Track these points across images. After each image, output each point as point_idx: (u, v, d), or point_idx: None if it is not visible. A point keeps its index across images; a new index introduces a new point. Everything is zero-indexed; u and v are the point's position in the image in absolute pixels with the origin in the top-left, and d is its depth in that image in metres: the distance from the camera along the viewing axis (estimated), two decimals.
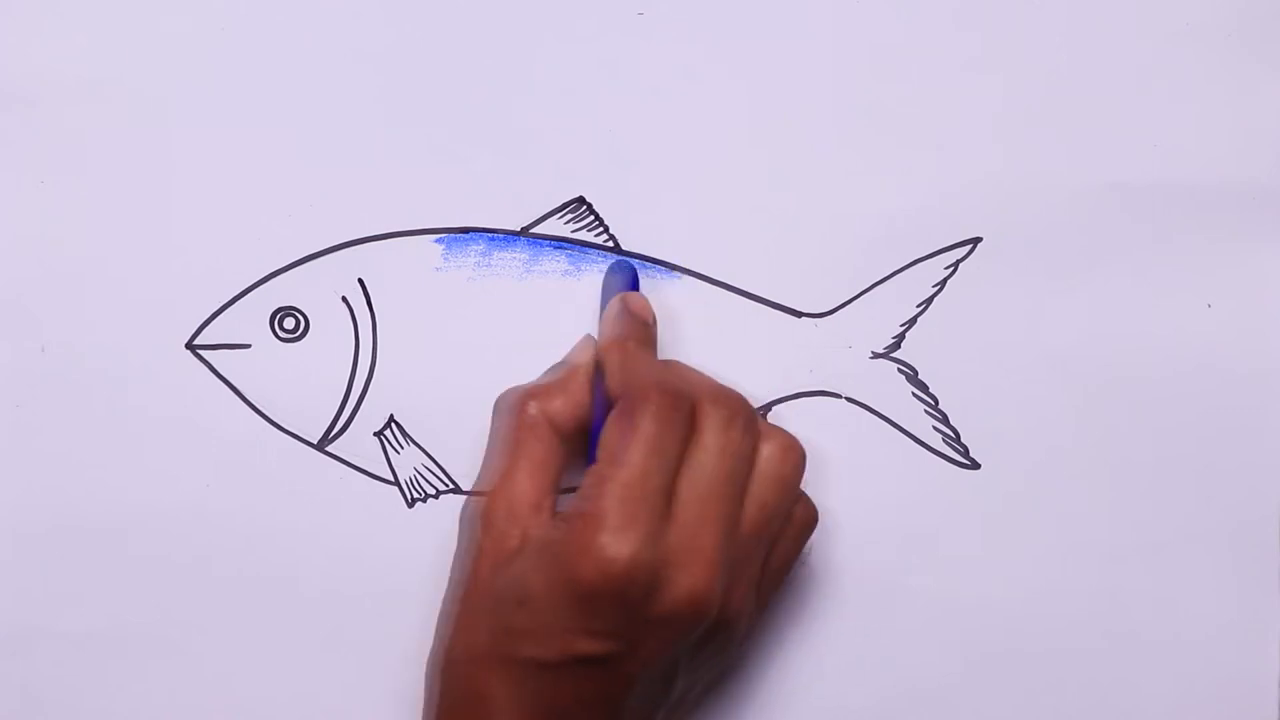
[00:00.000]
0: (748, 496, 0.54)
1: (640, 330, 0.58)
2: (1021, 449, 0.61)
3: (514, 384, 0.59)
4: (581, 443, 0.57)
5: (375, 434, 0.61)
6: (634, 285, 0.60)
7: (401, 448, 0.61)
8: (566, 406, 0.57)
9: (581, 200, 0.61)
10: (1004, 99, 0.61)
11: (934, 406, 0.61)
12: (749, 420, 0.55)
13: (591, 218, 0.61)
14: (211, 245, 0.61)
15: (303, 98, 0.61)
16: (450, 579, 0.57)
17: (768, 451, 0.55)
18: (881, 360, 0.61)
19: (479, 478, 0.58)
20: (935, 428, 0.61)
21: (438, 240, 0.61)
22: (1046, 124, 0.61)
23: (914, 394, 0.61)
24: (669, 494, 0.52)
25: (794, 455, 0.55)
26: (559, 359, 0.60)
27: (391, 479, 0.61)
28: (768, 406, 0.61)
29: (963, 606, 0.61)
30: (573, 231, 0.61)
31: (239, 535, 0.60)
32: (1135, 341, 0.61)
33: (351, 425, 0.61)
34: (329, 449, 0.61)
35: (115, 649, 0.60)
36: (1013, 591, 0.61)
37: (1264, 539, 0.61)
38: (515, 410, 0.57)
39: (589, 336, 0.60)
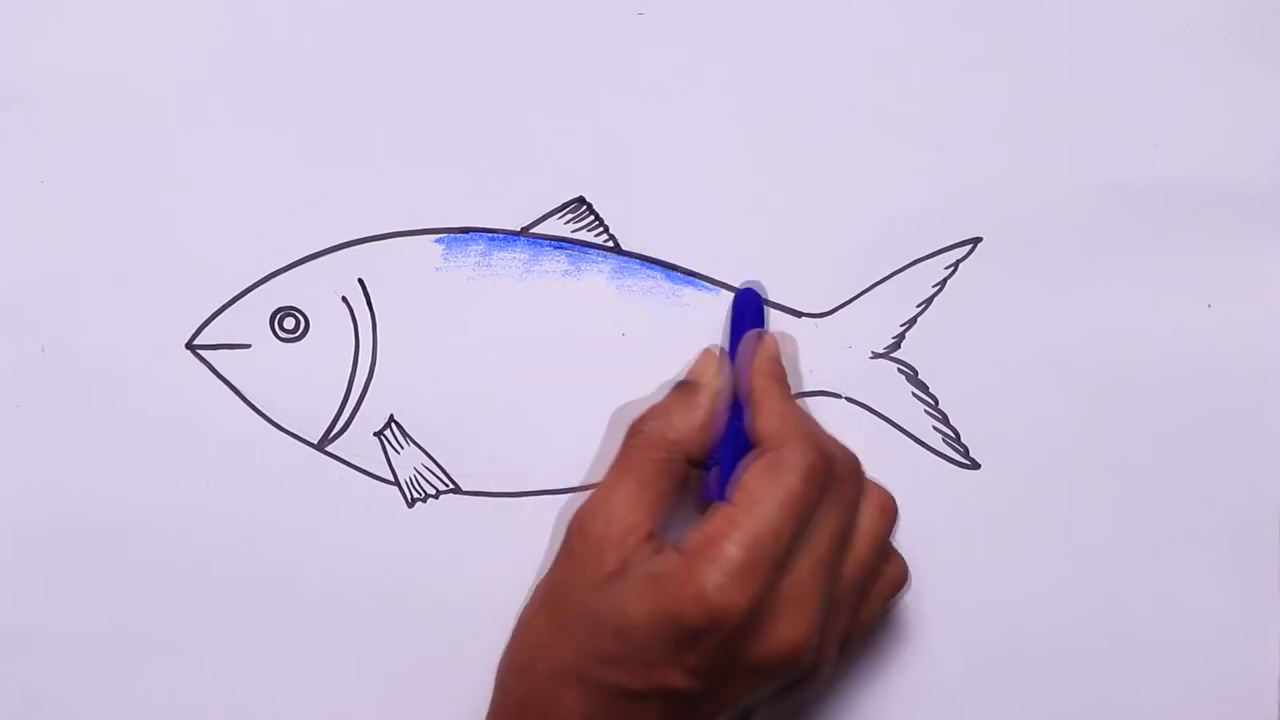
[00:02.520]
0: (848, 552, 0.55)
1: (782, 372, 0.58)
2: (1021, 449, 0.61)
3: (513, 384, 0.60)
4: (691, 467, 0.57)
5: (375, 434, 0.61)
6: (759, 314, 0.60)
7: (401, 448, 0.61)
8: (686, 429, 0.56)
9: (581, 200, 0.61)
10: (1004, 99, 0.61)
11: (934, 406, 0.61)
12: (860, 479, 0.56)
13: (591, 218, 0.61)
14: (211, 245, 0.61)
15: (303, 98, 0.61)
16: (542, 585, 0.57)
17: (867, 508, 0.56)
18: (881, 360, 0.61)
19: (588, 480, 0.58)
20: (935, 428, 0.61)
21: (438, 240, 0.61)
22: (1046, 124, 0.61)
23: (914, 394, 0.61)
24: (792, 549, 0.53)
25: (890, 514, 0.56)
26: (558, 359, 0.60)
27: (391, 479, 0.61)
28: None
29: (963, 606, 0.61)
30: (573, 231, 0.61)
31: (239, 535, 0.60)
32: (1135, 341, 0.61)
33: (351, 425, 0.61)
34: (329, 449, 0.61)
35: (115, 649, 0.60)
36: (1013, 591, 0.61)
37: (1264, 539, 0.61)
38: (634, 430, 0.57)
39: (712, 355, 0.59)
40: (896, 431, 0.61)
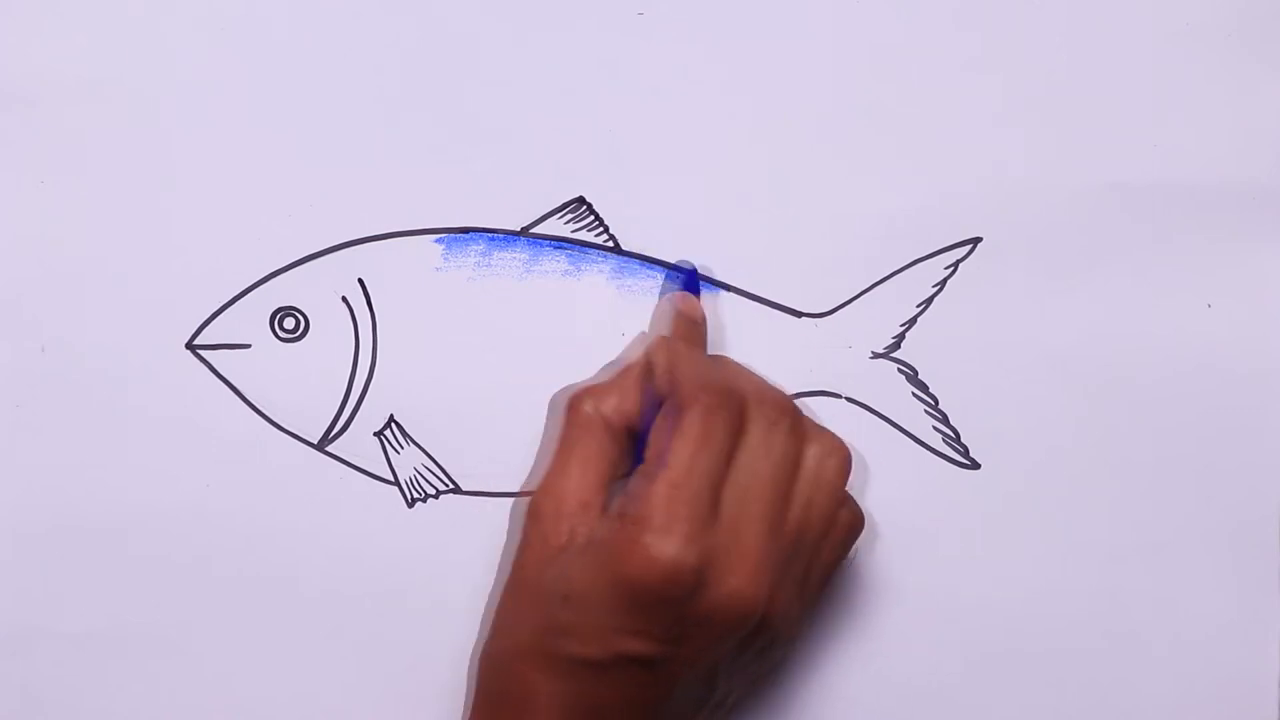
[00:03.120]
0: (793, 498, 0.54)
1: (689, 329, 0.58)
2: (1021, 449, 0.61)
3: (513, 384, 0.59)
4: (635, 441, 0.57)
5: (375, 434, 0.61)
6: (691, 287, 0.60)
7: (401, 448, 0.61)
8: (620, 405, 0.57)
9: (581, 200, 0.61)
10: (1004, 99, 0.61)
11: (934, 406, 0.61)
12: (795, 421, 0.55)
13: (591, 218, 0.61)
14: (211, 245, 0.61)
15: (302, 98, 0.61)
16: (498, 574, 0.57)
17: (813, 453, 0.55)
18: (881, 360, 0.61)
19: (531, 474, 0.58)
20: (935, 428, 0.61)
21: (438, 240, 0.61)
22: (1046, 124, 0.61)
23: (914, 394, 0.61)
24: (715, 494, 0.53)
25: (839, 458, 0.56)
26: (558, 359, 0.61)
27: (391, 479, 0.61)
28: None
29: (963, 606, 0.61)
30: (573, 231, 0.61)
31: (239, 535, 0.60)
32: (1135, 341, 0.61)
33: (351, 425, 0.61)
34: (329, 449, 0.61)
35: (115, 649, 0.60)
36: (1013, 591, 0.61)
37: (1264, 539, 0.61)
38: (569, 408, 0.57)
39: (643, 335, 0.60)
40: (896, 431, 0.61)
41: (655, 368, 0.56)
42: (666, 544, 0.51)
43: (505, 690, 0.55)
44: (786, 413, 0.55)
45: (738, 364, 0.58)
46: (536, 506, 0.55)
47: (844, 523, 0.57)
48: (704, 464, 0.53)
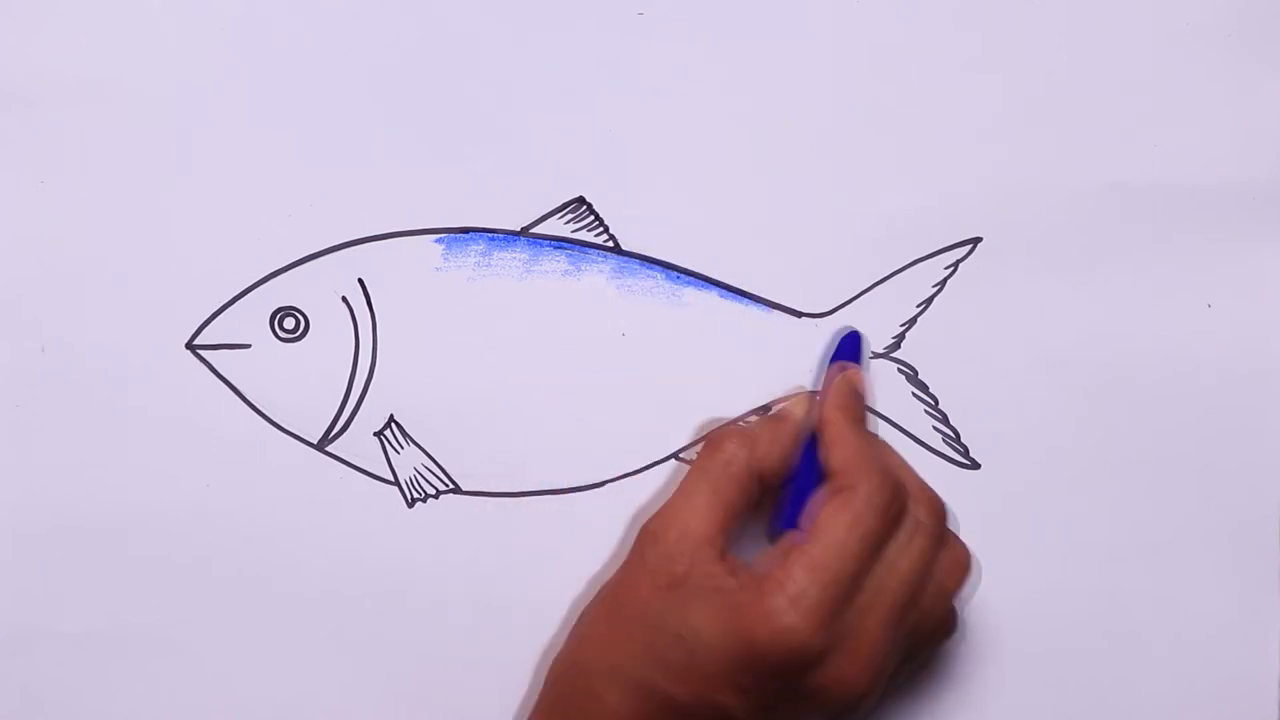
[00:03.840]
0: (919, 601, 0.55)
1: (857, 405, 0.59)
2: (1021, 449, 0.61)
3: (513, 384, 0.60)
4: (768, 492, 0.57)
5: (375, 434, 0.61)
6: (855, 354, 0.60)
7: (401, 448, 0.61)
8: (769, 455, 0.57)
9: (581, 200, 0.61)
10: (1004, 99, 0.61)
11: (934, 406, 0.61)
12: (942, 527, 0.56)
13: (591, 218, 0.61)
14: (211, 245, 0.61)
15: (303, 98, 0.61)
16: (608, 585, 0.57)
17: (945, 561, 0.56)
18: (881, 360, 0.61)
19: (667, 500, 0.57)
20: (935, 428, 0.61)
21: (438, 240, 0.61)
22: (1046, 124, 0.61)
23: (914, 394, 0.61)
24: (858, 581, 0.53)
25: (965, 573, 0.57)
26: (558, 359, 0.61)
27: (391, 479, 0.61)
28: (767, 407, 0.61)
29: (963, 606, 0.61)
30: (573, 231, 0.61)
31: (239, 535, 0.60)
32: (1135, 341, 0.61)
33: (351, 425, 0.61)
34: (329, 449, 0.61)
35: (115, 649, 0.60)
36: (1013, 591, 0.61)
37: (1264, 539, 0.61)
38: (717, 445, 0.57)
39: (806, 393, 0.60)
40: (896, 431, 0.61)
41: (829, 439, 0.57)
42: (805, 621, 0.52)
43: (578, 701, 0.55)
44: (938, 517, 0.56)
45: (892, 450, 0.58)
46: (658, 531, 0.55)
47: (943, 627, 0.58)
48: (855, 550, 0.53)
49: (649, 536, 0.56)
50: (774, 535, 0.57)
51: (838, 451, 0.56)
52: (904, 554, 0.54)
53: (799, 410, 0.59)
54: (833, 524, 0.53)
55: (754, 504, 0.57)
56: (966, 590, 0.57)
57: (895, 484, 0.55)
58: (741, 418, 0.61)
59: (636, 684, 0.53)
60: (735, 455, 0.56)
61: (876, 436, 0.59)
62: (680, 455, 0.61)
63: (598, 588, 0.58)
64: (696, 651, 0.53)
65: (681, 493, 0.56)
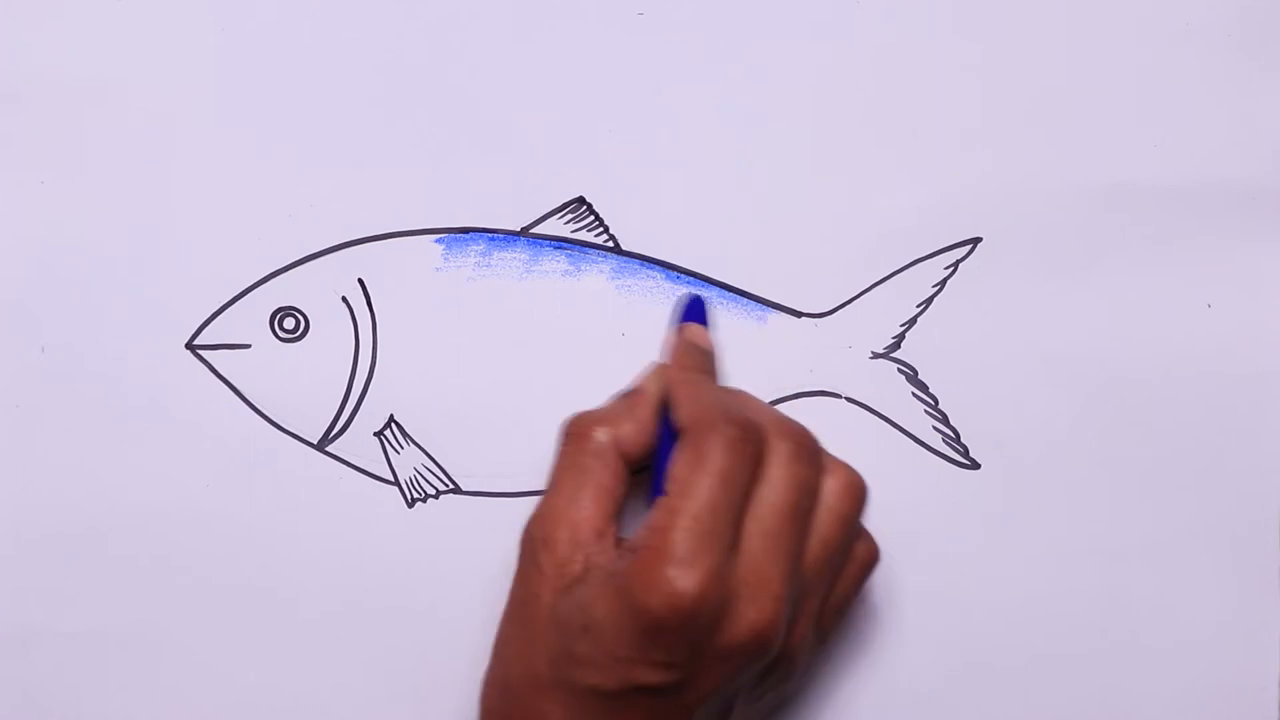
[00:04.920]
0: (811, 531, 0.54)
1: (701, 359, 0.58)
2: (1021, 449, 0.61)
3: (513, 384, 0.59)
4: (644, 472, 0.57)
5: (375, 434, 0.61)
6: (698, 316, 0.60)
7: (401, 448, 0.61)
8: (633, 434, 0.56)
9: (581, 200, 0.61)
10: (1004, 99, 0.61)
11: (934, 406, 0.61)
12: (814, 454, 0.55)
13: (591, 218, 0.61)
14: (211, 245, 0.61)
15: (303, 98, 0.61)
16: (509, 600, 0.56)
17: (831, 486, 0.55)
18: (881, 360, 0.61)
19: (542, 500, 0.57)
20: (935, 428, 0.61)
21: (438, 240, 0.61)
22: (1047, 124, 0.61)
23: (914, 394, 0.61)
24: (736, 527, 0.53)
25: (856, 491, 0.56)
26: (558, 359, 0.61)
27: (391, 479, 0.61)
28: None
29: (962, 607, 0.61)
30: (573, 231, 0.61)
31: (239, 535, 0.60)
32: (1135, 341, 0.61)
33: (351, 425, 0.61)
34: (329, 449, 0.61)
35: (115, 649, 0.60)
36: (1012, 592, 0.61)
37: (1264, 540, 0.61)
38: (583, 436, 0.56)
39: (654, 364, 0.59)
40: (896, 431, 0.61)
41: (674, 399, 0.56)
42: (688, 577, 0.51)
43: (517, 719, 0.54)
44: (805, 445, 0.55)
45: (751, 396, 0.57)
46: (551, 535, 0.55)
47: (860, 557, 0.57)
48: (725, 496, 0.52)
49: (538, 541, 0.55)
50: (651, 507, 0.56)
51: (684, 409, 0.55)
52: (776, 487, 0.53)
53: (652, 383, 0.58)
54: (691, 476, 0.53)
55: (629, 484, 0.56)
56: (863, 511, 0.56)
57: (743, 423, 0.53)
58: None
59: (563, 686, 0.53)
60: (604, 441, 0.56)
61: (727, 387, 0.59)
62: None
63: None
64: (604, 639, 0.52)
65: (559, 490, 0.56)
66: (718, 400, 0.55)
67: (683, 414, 0.55)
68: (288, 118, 0.61)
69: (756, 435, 0.54)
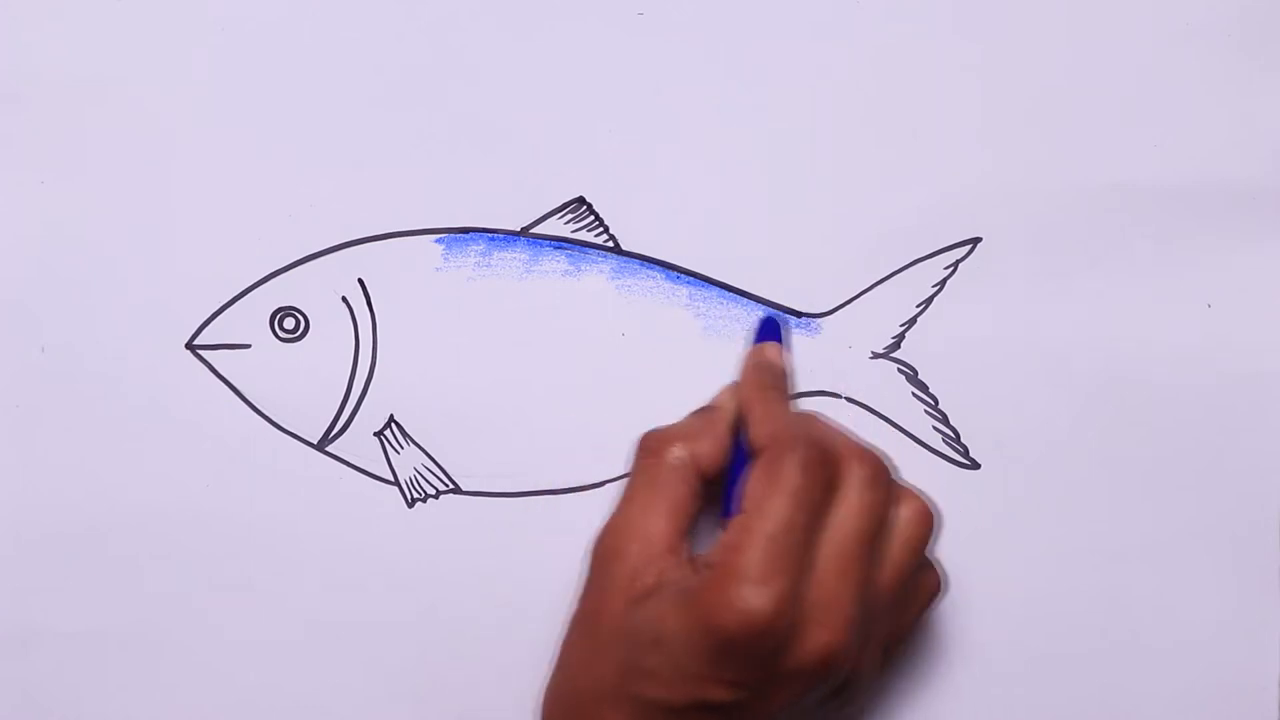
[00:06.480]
0: (883, 558, 0.55)
1: (777, 380, 0.59)
2: (1021, 449, 0.61)
3: (513, 384, 0.60)
4: (716, 487, 0.57)
5: (375, 434, 0.61)
6: (776, 336, 0.60)
7: (401, 448, 0.61)
8: (710, 451, 0.57)
9: (581, 200, 0.61)
10: (1004, 99, 0.61)
11: (934, 406, 0.61)
12: (888, 481, 0.55)
13: (591, 218, 0.61)
14: (211, 245, 0.61)
15: (302, 98, 0.61)
16: (577, 609, 0.57)
17: (903, 514, 0.56)
18: (881, 360, 0.61)
19: (616, 511, 0.57)
20: (935, 428, 0.61)
21: (438, 240, 0.61)
22: (1047, 124, 0.61)
23: (914, 394, 0.61)
24: (810, 548, 0.53)
25: (927, 519, 0.56)
26: (558, 359, 0.61)
27: (391, 479, 0.61)
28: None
29: (962, 607, 0.61)
30: (573, 231, 0.61)
31: (239, 535, 0.60)
32: (1135, 341, 0.61)
33: (351, 425, 0.61)
34: (329, 449, 0.61)
35: (115, 649, 0.60)
36: (1012, 592, 0.61)
37: (1264, 540, 0.61)
38: (660, 451, 0.57)
39: (731, 384, 0.60)
40: (896, 431, 0.61)
41: (750, 418, 0.57)
42: (761, 596, 0.51)
43: None
44: (880, 471, 0.55)
45: (828, 420, 0.58)
46: (622, 547, 0.55)
47: (926, 585, 0.58)
48: (800, 518, 0.53)
49: (610, 553, 0.55)
50: (723, 524, 0.56)
51: (760, 427, 0.56)
52: (851, 512, 0.54)
53: (729, 400, 0.59)
54: (767, 496, 0.53)
55: (702, 500, 0.57)
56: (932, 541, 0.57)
57: (821, 446, 0.54)
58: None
59: (629, 698, 0.53)
60: (680, 457, 0.56)
61: (802, 410, 0.59)
62: None
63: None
64: (676, 654, 0.52)
65: (634, 503, 0.56)
66: (794, 421, 0.56)
67: (758, 433, 0.56)
68: (288, 118, 0.61)
69: (833, 458, 0.54)
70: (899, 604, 0.56)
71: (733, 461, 0.57)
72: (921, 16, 0.61)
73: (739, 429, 0.57)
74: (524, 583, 0.60)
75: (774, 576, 0.52)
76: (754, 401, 0.57)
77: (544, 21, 0.61)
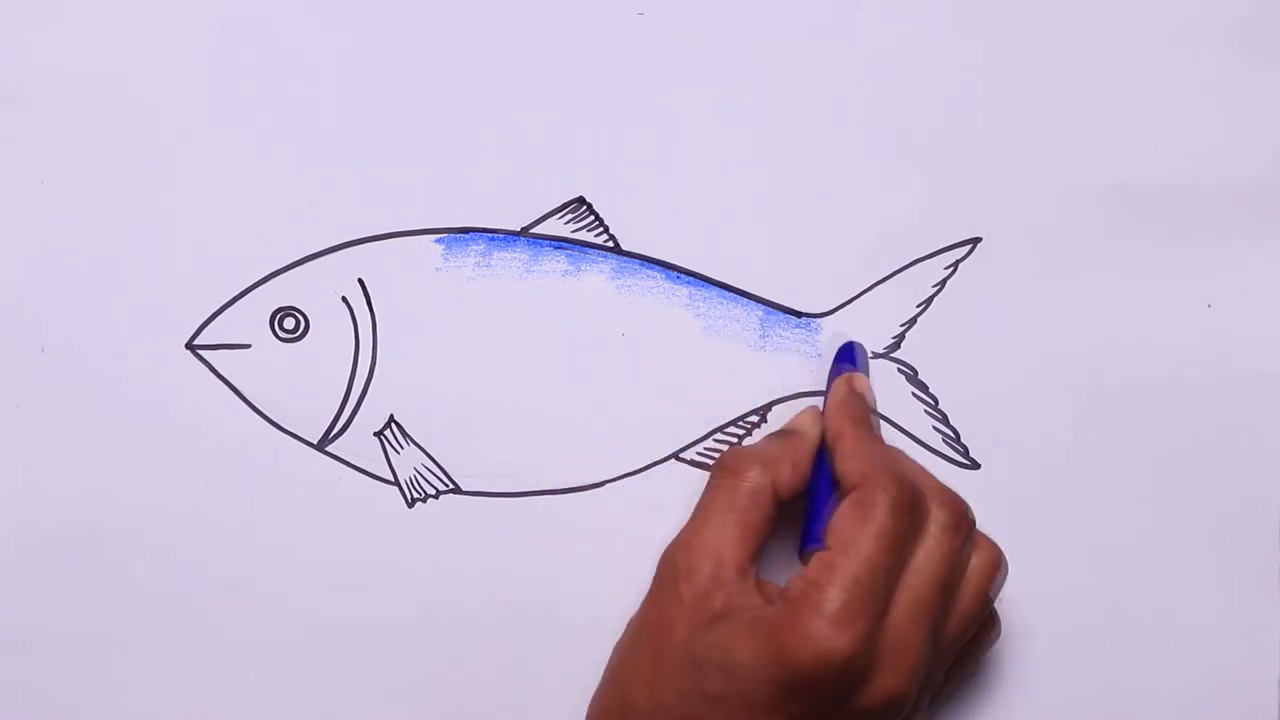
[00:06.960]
0: (955, 605, 0.55)
1: (865, 412, 0.58)
2: (1021, 449, 0.61)
3: (513, 384, 0.60)
4: (787, 511, 0.57)
5: (375, 434, 0.61)
6: (860, 364, 0.60)
7: (401, 448, 0.61)
8: (790, 478, 0.57)
9: (581, 200, 0.61)
10: (1004, 99, 0.61)
11: (934, 406, 0.61)
12: (968, 527, 0.55)
13: (591, 218, 0.61)
14: (211, 245, 0.61)
15: (303, 98, 0.61)
16: (638, 623, 0.57)
17: (976, 562, 0.56)
18: (881, 360, 0.61)
19: (687, 529, 0.57)
20: (935, 428, 0.61)
21: (438, 240, 0.61)
22: (1047, 124, 0.61)
23: (914, 394, 0.61)
24: (891, 591, 0.53)
25: (998, 569, 0.56)
26: (558, 360, 0.61)
27: (391, 479, 0.61)
28: (768, 406, 0.61)
29: None
30: (573, 231, 0.61)
31: (239, 535, 0.60)
32: (1135, 341, 0.61)
33: (351, 425, 0.61)
34: (329, 449, 0.61)
35: (115, 649, 0.60)
36: (1012, 592, 0.61)
37: (1264, 540, 0.61)
38: (739, 473, 0.57)
39: (814, 408, 0.60)
40: (896, 431, 0.61)
41: (839, 451, 0.56)
42: (841, 636, 0.52)
43: None
44: (962, 517, 0.55)
45: (908, 456, 0.57)
46: (693, 565, 0.55)
47: (986, 632, 0.58)
48: (886, 560, 0.53)
49: (681, 570, 0.55)
50: (803, 554, 0.56)
51: (851, 462, 0.56)
52: (932, 557, 0.54)
53: (811, 426, 0.58)
54: (856, 535, 0.53)
55: (774, 525, 0.57)
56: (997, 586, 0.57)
57: (912, 488, 0.54)
58: (736, 420, 0.61)
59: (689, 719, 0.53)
60: (760, 481, 0.56)
61: (881, 440, 0.59)
62: (680, 456, 0.61)
63: (601, 592, 0.58)
64: (742, 683, 0.52)
65: (707, 523, 0.56)
66: (886, 459, 0.56)
67: (849, 468, 0.55)
68: (288, 118, 0.61)
69: (921, 502, 0.54)
70: (961, 651, 0.56)
71: (813, 490, 0.57)
72: (921, 16, 0.61)
73: (820, 457, 0.57)
74: (524, 583, 0.60)
75: (856, 618, 0.52)
76: (845, 435, 0.57)
77: (544, 21, 0.61)
